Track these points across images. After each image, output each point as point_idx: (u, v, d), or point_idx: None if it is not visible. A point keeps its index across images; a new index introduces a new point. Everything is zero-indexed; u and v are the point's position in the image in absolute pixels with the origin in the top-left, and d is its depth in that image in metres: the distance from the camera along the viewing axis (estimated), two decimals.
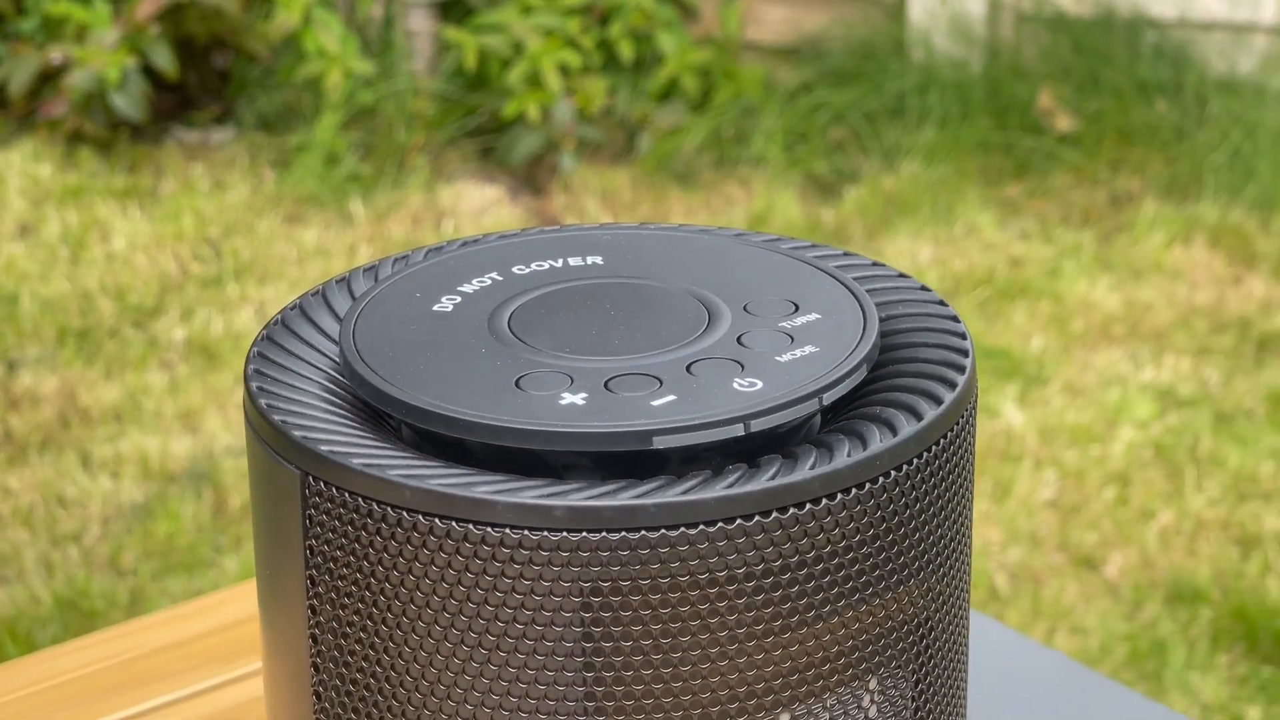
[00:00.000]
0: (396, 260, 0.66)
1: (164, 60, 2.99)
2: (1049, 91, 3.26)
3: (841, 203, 3.18)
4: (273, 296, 2.85)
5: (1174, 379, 2.79)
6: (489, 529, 0.54)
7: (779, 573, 0.55)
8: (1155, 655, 2.33)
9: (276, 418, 0.58)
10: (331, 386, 0.60)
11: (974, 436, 0.61)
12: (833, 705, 0.58)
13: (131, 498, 2.53)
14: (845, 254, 0.66)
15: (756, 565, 0.55)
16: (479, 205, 3.09)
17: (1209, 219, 3.24)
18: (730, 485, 0.54)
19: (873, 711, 0.59)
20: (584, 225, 0.67)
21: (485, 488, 0.54)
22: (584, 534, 0.54)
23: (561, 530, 0.54)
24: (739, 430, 0.56)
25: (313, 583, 0.57)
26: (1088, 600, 2.42)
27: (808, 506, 0.55)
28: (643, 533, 0.54)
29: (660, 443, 0.55)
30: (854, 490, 0.56)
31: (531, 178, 3.14)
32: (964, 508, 0.60)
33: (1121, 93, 3.31)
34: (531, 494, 0.54)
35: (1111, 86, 3.28)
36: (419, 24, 3.01)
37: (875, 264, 0.65)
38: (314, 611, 0.58)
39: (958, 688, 0.62)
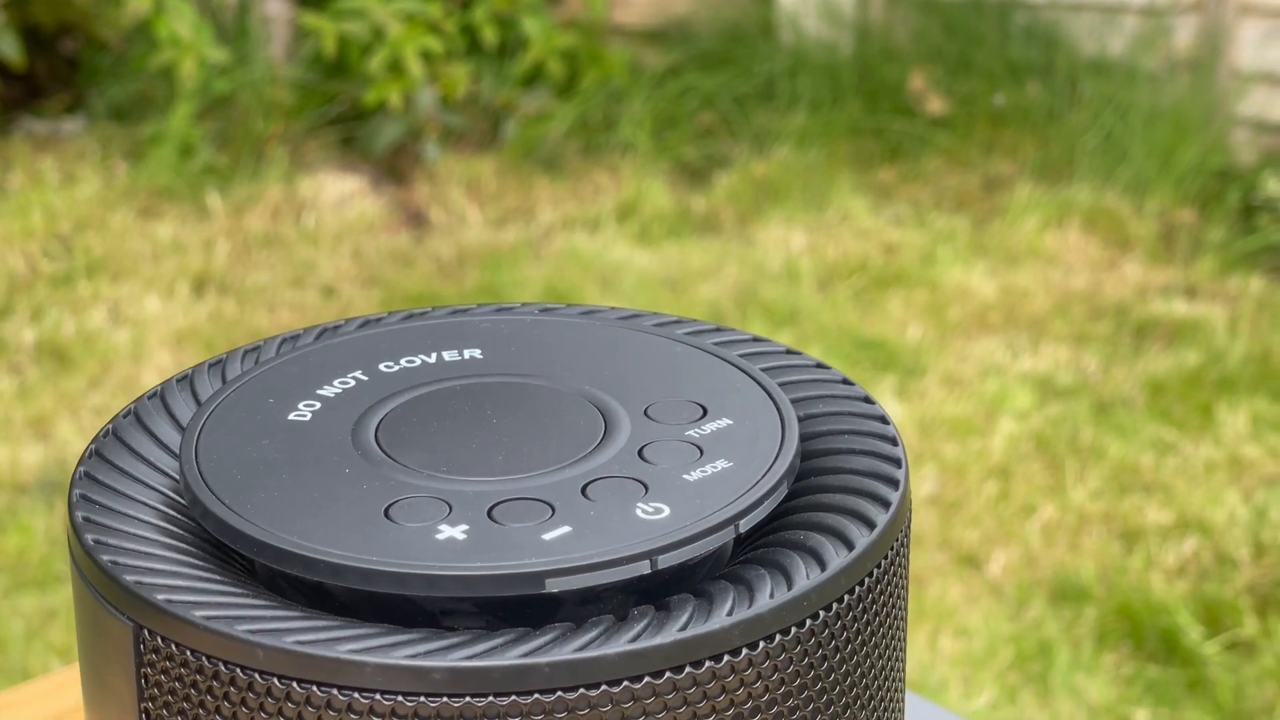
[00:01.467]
0: (247, 353, 0.58)
1: (10, 49, 2.87)
2: (920, 74, 3.21)
3: (712, 189, 3.12)
4: (127, 295, 2.75)
5: (1053, 368, 2.75)
6: (356, 695, 0.46)
7: None
8: (1041, 656, 2.28)
9: (105, 558, 0.50)
10: (172, 514, 0.52)
11: (908, 553, 0.54)
12: None
13: None
14: (755, 339, 0.59)
15: None
16: (340, 196, 3.00)
17: (1083, 202, 3.21)
18: (636, 638, 0.47)
19: None
20: (459, 309, 0.60)
21: (351, 645, 0.47)
22: (467, 699, 0.46)
23: (441, 695, 0.46)
24: (644, 568, 0.48)
25: None
26: (971, 601, 2.37)
27: (725, 659, 0.47)
28: (536, 696, 0.46)
29: (554, 585, 0.48)
30: (778, 637, 0.48)
31: (394, 167, 3.05)
32: (899, 634, 0.53)
33: (993, 75, 3.26)
34: (405, 653, 0.46)
35: (983, 68, 3.24)
36: (275, 9, 2.91)
37: (789, 351, 0.58)
38: None
39: None
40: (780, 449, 0.52)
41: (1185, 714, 2.18)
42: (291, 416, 0.54)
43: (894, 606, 0.52)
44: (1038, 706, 2.21)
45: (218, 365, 0.57)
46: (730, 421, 0.53)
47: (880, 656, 0.51)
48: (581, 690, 0.46)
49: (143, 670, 0.49)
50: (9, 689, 0.95)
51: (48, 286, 2.80)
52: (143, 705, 0.49)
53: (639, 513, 0.50)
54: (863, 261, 2.97)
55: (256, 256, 2.82)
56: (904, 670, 0.55)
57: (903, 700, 0.54)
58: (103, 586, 0.49)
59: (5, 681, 2.15)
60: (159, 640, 0.48)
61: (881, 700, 0.52)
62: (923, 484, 2.51)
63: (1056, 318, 2.90)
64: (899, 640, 0.53)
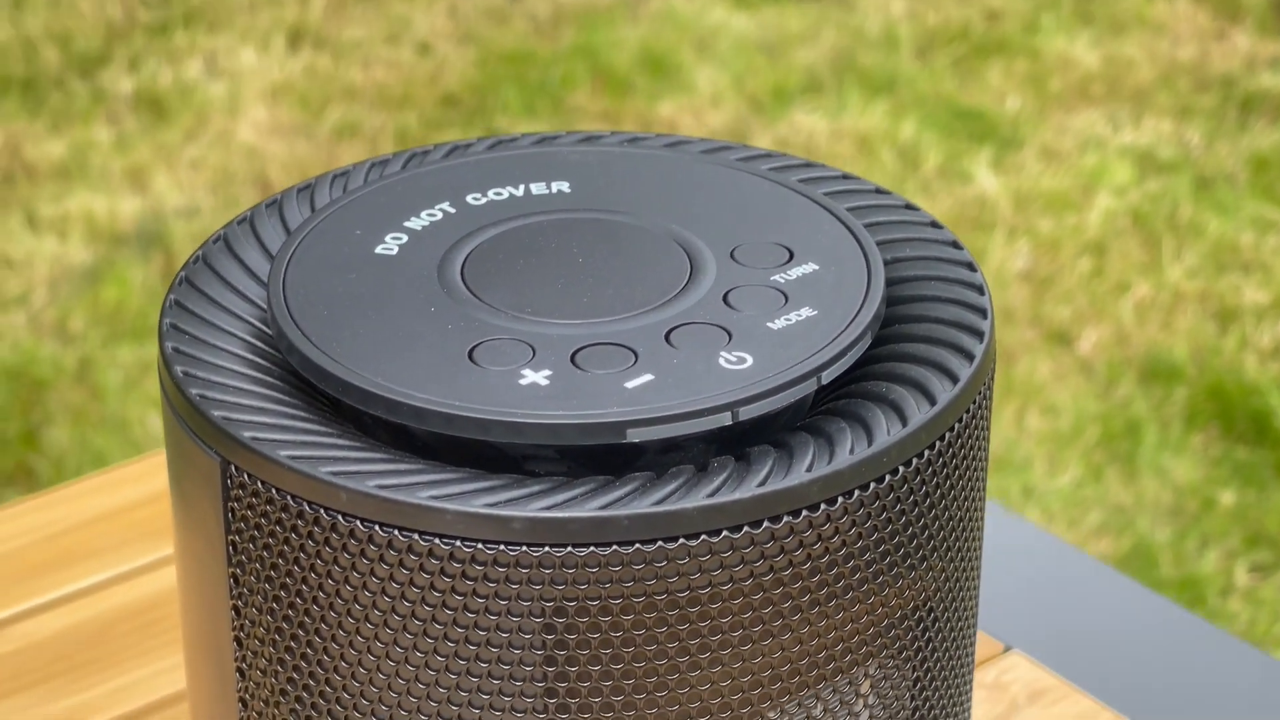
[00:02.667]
0: (335, 179, 0.58)
1: None
2: None
3: None
4: (223, 46, 2.74)
5: (1154, 142, 2.71)
6: (436, 540, 0.47)
7: (769, 586, 0.48)
8: (1128, 435, 2.28)
9: (194, 391, 0.50)
10: (260, 346, 0.52)
11: (990, 408, 0.54)
12: (828, 697, 0.52)
13: (79, 260, 2.45)
14: (844, 176, 0.58)
15: (744, 579, 0.48)
16: None
17: None
18: (715, 492, 0.47)
19: (871, 700, 0.53)
20: (546, 137, 0.59)
21: (432, 491, 0.47)
22: (546, 549, 0.47)
23: (520, 544, 0.47)
24: (725, 420, 0.49)
25: (236, 581, 0.50)
26: (1060, 378, 2.37)
27: (804, 514, 0.48)
28: (614, 548, 0.47)
29: (635, 435, 0.48)
30: (857, 492, 0.48)
31: None
32: (977, 491, 0.53)
33: None
34: (485, 500, 0.47)
35: None
36: None
37: (879, 190, 0.58)
38: (238, 613, 0.51)
39: (961, 674, 0.55)
40: (865, 297, 0.52)
41: (1272, 496, 2.17)
42: (378, 250, 0.54)
43: (975, 459, 0.52)
44: (1123, 485, 2.21)
45: (306, 191, 0.57)
46: (816, 266, 0.53)
47: (957, 510, 0.52)
48: (659, 543, 0.47)
49: (229, 504, 0.50)
50: (114, 467, 0.97)
51: (145, 35, 2.79)
52: (230, 537, 0.50)
53: (722, 362, 0.50)
54: (963, 28, 2.92)
55: (351, 11, 2.80)
56: (981, 524, 0.55)
57: (979, 553, 0.55)
58: (191, 420, 0.50)
59: (104, 432, 2.19)
60: (245, 476, 0.49)
61: (955, 550, 0.52)
62: (1016, 259, 2.49)
63: (1160, 90, 2.85)
64: (979, 493, 0.53)
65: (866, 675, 0.52)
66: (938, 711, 0.54)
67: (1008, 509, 0.95)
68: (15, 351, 2.30)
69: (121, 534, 0.90)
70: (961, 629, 0.54)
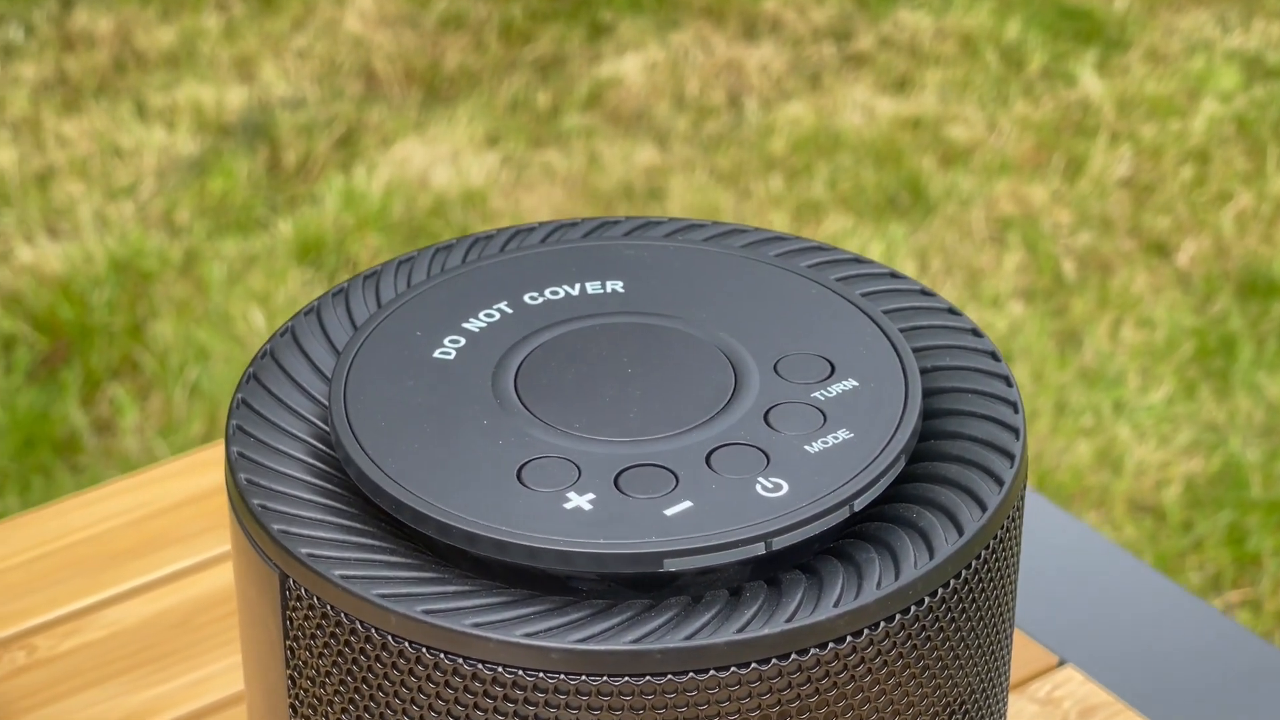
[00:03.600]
0: (400, 265, 0.60)
1: None
2: None
3: None
4: None
5: (1263, 45, 2.69)
6: (480, 665, 0.50)
7: (795, 714, 0.51)
8: (1224, 351, 2.28)
9: (256, 502, 0.53)
10: (323, 451, 0.55)
11: (1020, 525, 0.56)
12: None
13: (186, 150, 2.49)
14: (893, 274, 0.60)
15: (772, 707, 0.50)
16: None
17: None
18: (744, 627, 0.50)
19: None
20: (606, 221, 0.61)
21: (476, 618, 0.50)
22: (583, 678, 0.49)
23: (559, 673, 0.49)
24: (759, 550, 0.51)
25: (294, 683, 0.53)
26: (1157, 290, 2.37)
27: (830, 646, 0.50)
28: (648, 678, 0.49)
29: (672, 565, 0.51)
30: (882, 624, 0.51)
31: None
32: (1005, 607, 0.55)
33: None
34: (525, 630, 0.50)
35: None
36: None
37: (924, 292, 0.59)
38: (295, 711, 0.54)
39: None
40: (900, 421, 0.54)
41: None
42: (437, 354, 0.56)
43: (1003, 579, 0.54)
44: (1216, 402, 2.22)
45: (372, 279, 0.59)
46: (856, 383, 0.55)
47: (987, 627, 0.54)
48: (691, 674, 0.49)
49: (288, 612, 0.52)
50: (202, 448, 1.00)
51: None
52: (288, 642, 0.53)
53: (759, 489, 0.52)
54: None
55: None
56: (1011, 631, 0.57)
57: (1008, 657, 0.57)
58: (253, 530, 0.53)
59: (207, 326, 2.23)
60: (302, 590, 0.52)
61: (983, 665, 0.55)
62: (1118, 165, 2.48)
63: None
64: (1006, 608, 0.55)
65: None
66: None
67: (1075, 517, 0.97)
68: (123, 244, 2.35)
69: (208, 519, 0.93)
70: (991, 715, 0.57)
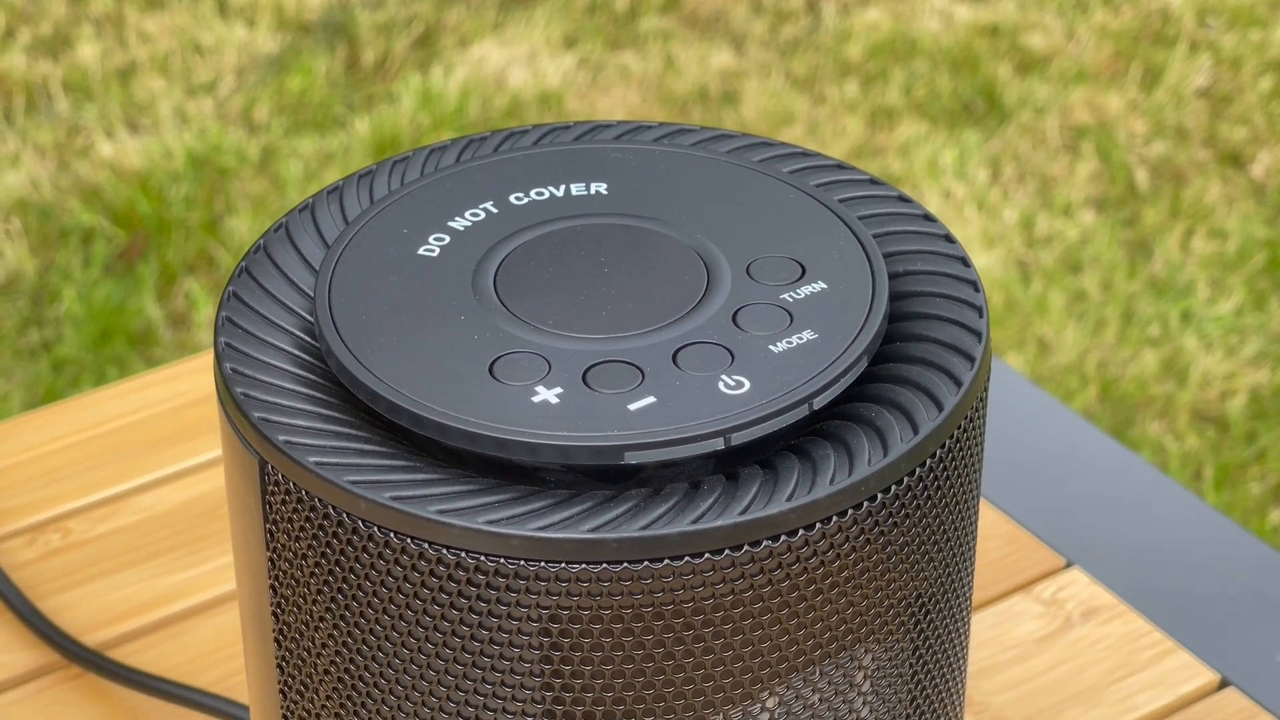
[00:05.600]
0: (395, 165, 0.62)
1: None
2: None
3: None
4: None
5: None
6: (444, 550, 0.52)
7: (749, 602, 0.52)
8: None
9: (239, 390, 0.55)
10: (308, 342, 0.57)
11: (982, 427, 0.57)
12: (821, 688, 0.56)
13: (266, 48, 2.51)
14: (872, 181, 0.61)
15: (725, 595, 0.52)
16: None
17: None
18: (699, 519, 0.52)
19: (866, 689, 0.58)
20: (597, 125, 0.63)
21: (441, 505, 0.52)
22: (542, 564, 0.51)
23: (519, 559, 0.51)
24: (718, 445, 0.53)
25: (273, 564, 0.56)
26: (1230, 201, 2.36)
27: (783, 539, 0.52)
28: (604, 565, 0.51)
29: (633, 458, 0.53)
30: (835, 519, 0.53)
31: None
32: (966, 503, 0.57)
33: None
34: (488, 518, 0.52)
35: None
36: None
37: (902, 198, 0.61)
38: (275, 592, 0.56)
39: (955, 662, 0.60)
40: (865, 322, 0.55)
41: None
42: (421, 251, 0.58)
43: (961, 478, 0.56)
44: None
45: (366, 178, 0.61)
46: (824, 286, 0.56)
47: (945, 523, 0.55)
48: (646, 563, 0.51)
49: (267, 497, 0.55)
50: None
51: None
52: (268, 526, 0.55)
53: (721, 386, 0.54)
54: None
55: None
56: (975, 525, 0.58)
57: (972, 550, 0.59)
58: (236, 418, 0.55)
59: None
60: (280, 476, 0.54)
61: (944, 558, 0.56)
62: (1195, 75, 2.47)
63: None
64: (968, 504, 0.57)
65: (861, 667, 0.57)
66: (934, 700, 0.59)
67: (1086, 420, 0.98)
68: (201, 140, 2.37)
69: None
70: (952, 624, 0.58)
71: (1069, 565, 0.90)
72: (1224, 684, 0.86)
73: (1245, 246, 2.27)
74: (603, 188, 0.60)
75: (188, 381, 0.97)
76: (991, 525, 0.92)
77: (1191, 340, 2.17)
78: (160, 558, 0.90)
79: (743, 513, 0.52)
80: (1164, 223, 2.29)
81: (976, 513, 0.58)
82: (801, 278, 0.57)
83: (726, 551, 0.52)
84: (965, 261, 0.58)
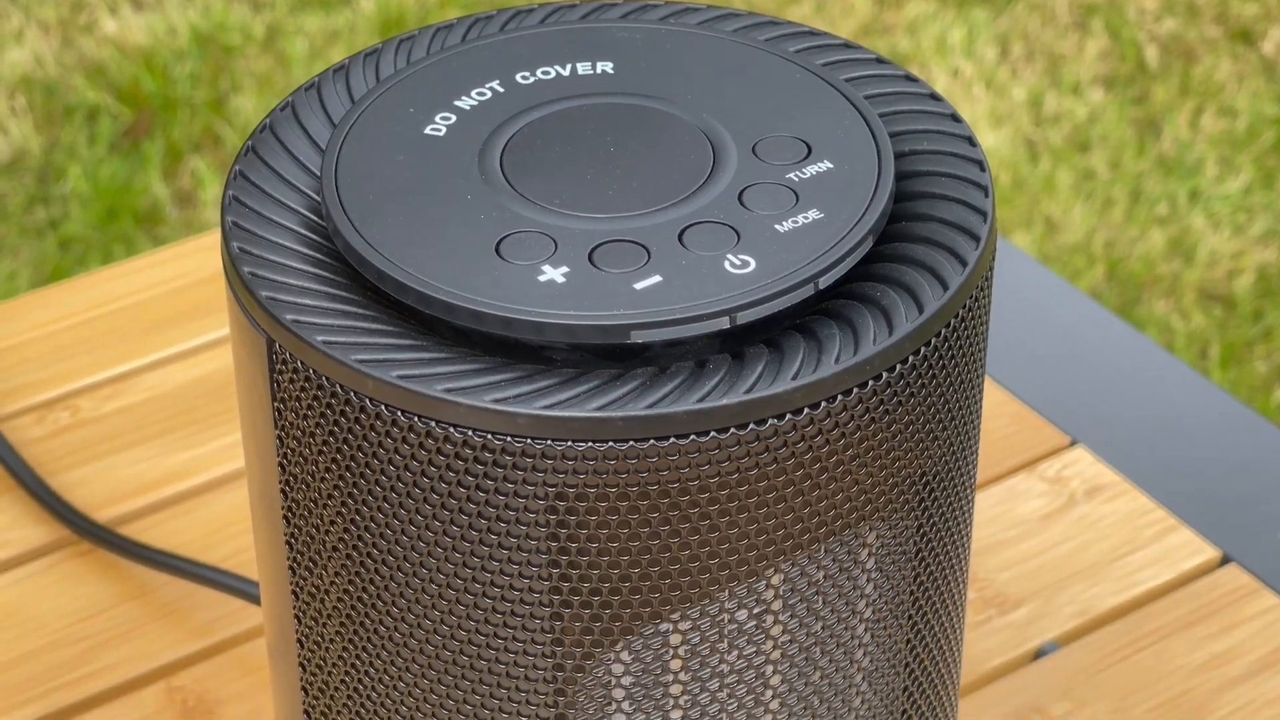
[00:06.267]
0: (401, 44, 0.62)
1: None
2: None
3: None
4: None
5: None
6: (451, 429, 0.52)
7: (755, 481, 0.53)
8: None
9: (246, 269, 0.55)
10: (315, 221, 0.57)
11: (988, 307, 0.57)
12: (828, 564, 0.57)
13: None
14: (879, 60, 0.61)
15: (730, 475, 0.53)
16: None
17: None
18: (705, 397, 0.52)
19: (871, 566, 0.58)
20: (599, 6, 0.63)
21: (448, 384, 0.52)
22: (549, 442, 0.52)
23: (525, 438, 0.52)
24: (724, 324, 0.53)
25: (281, 443, 0.56)
26: (1240, 79, 2.35)
27: (788, 418, 0.52)
28: (610, 444, 0.52)
29: (639, 336, 0.53)
30: (840, 398, 0.53)
31: None
32: (971, 382, 0.57)
33: None
34: (494, 396, 0.52)
35: None
36: None
37: (908, 78, 0.61)
38: (283, 469, 0.57)
39: (959, 540, 0.60)
40: (871, 201, 0.56)
41: None
42: (428, 130, 0.58)
43: (967, 357, 0.56)
44: None
45: (373, 57, 0.61)
46: (830, 165, 0.57)
47: (950, 402, 0.56)
48: (652, 441, 0.52)
49: (275, 376, 0.55)
50: None
51: None
52: (275, 404, 0.56)
53: (727, 265, 0.54)
54: None
55: None
56: (979, 404, 0.59)
57: (977, 428, 0.59)
58: (244, 297, 0.55)
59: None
60: (287, 355, 0.54)
61: (950, 434, 0.57)
62: None
63: None
64: (973, 383, 0.57)
65: (865, 545, 0.57)
66: (938, 577, 0.59)
67: (1093, 300, 0.98)
68: (206, 17, 2.36)
69: None
70: (956, 503, 0.59)
71: (1073, 444, 0.91)
72: (1225, 560, 0.86)
73: (1254, 124, 2.26)
74: (608, 67, 0.60)
75: (194, 260, 0.98)
76: (996, 404, 0.92)
77: (1199, 219, 2.17)
78: (169, 435, 0.90)
79: (748, 391, 0.52)
80: (1173, 101, 2.29)
81: (981, 392, 0.59)
82: (807, 157, 0.57)
83: (732, 430, 0.52)
84: (971, 141, 0.58)
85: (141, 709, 0.80)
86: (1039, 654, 0.83)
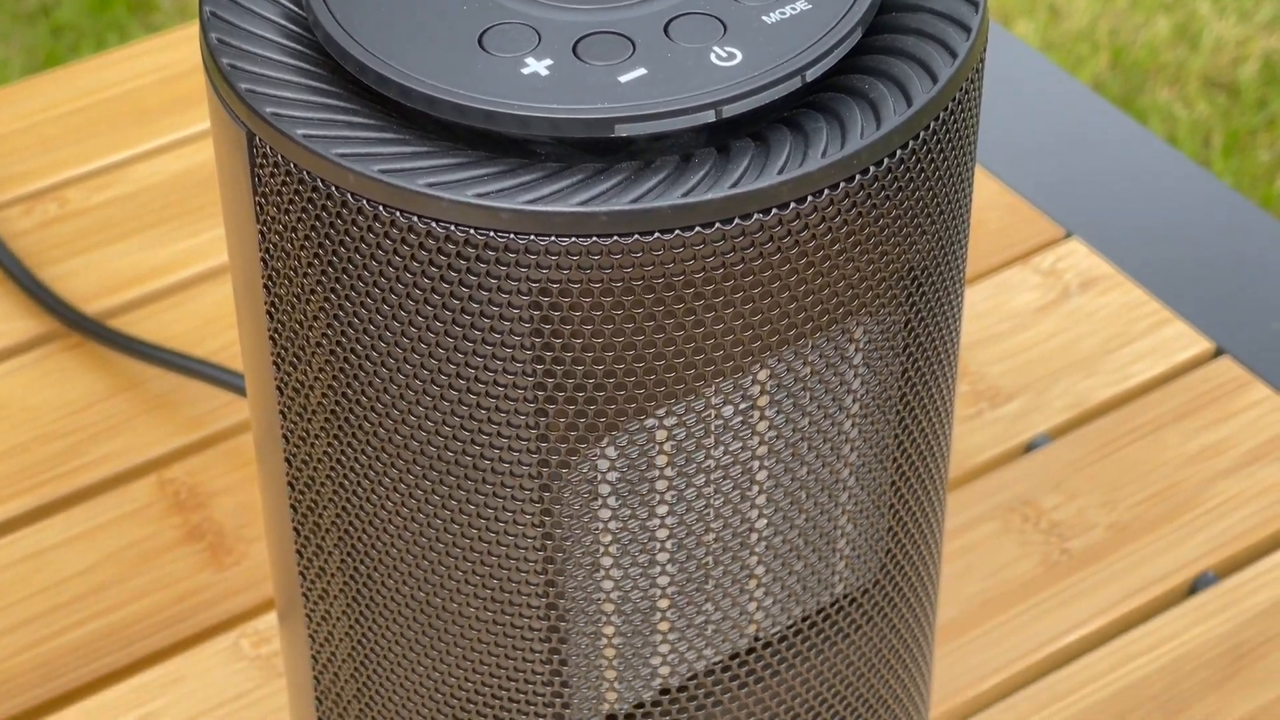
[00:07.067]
0: None
1: None
2: None
3: None
4: None
5: None
6: (434, 223, 0.52)
7: (740, 276, 0.52)
8: None
9: (225, 61, 0.55)
10: (295, 12, 0.56)
11: (978, 100, 0.57)
12: (814, 360, 0.57)
13: None
14: None
15: (716, 270, 0.52)
16: None
17: None
18: (690, 191, 0.51)
19: (858, 361, 0.58)
20: None
21: (430, 179, 0.52)
22: (532, 237, 0.51)
23: (509, 232, 0.51)
24: (709, 117, 0.52)
25: (264, 237, 0.56)
26: None
27: (774, 212, 0.52)
28: (594, 239, 0.51)
29: (623, 130, 0.52)
30: (827, 192, 0.52)
31: None
32: (963, 180, 0.56)
33: None
34: (476, 190, 0.51)
35: None
36: None
37: None
38: (265, 264, 0.56)
39: (948, 336, 0.60)
40: None
41: None
42: None
43: (957, 149, 0.55)
44: None
45: None
46: None
47: (939, 198, 0.55)
48: (636, 236, 0.51)
49: (255, 170, 0.54)
50: None
51: None
52: (257, 199, 0.55)
53: (713, 58, 0.53)
54: None
55: None
56: (969, 197, 0.58)
57: (967, 222, 0.58)
58: (223, 90, 0.54)
59: None
60: (268, 148, 0.53)
61: (940, 228, 0.56)
62: None
63: None
64: (963, 177, 0.56)
65: (852, 340, 0.57)
66: (926, 372, 0.59)
67: (1090, 89, 0.97)
68: None
69: None
70: (944, 298, 0.58)
71: (1068, 236, 0.90)
72: (1219, 352, 0.86)
73: None
74: None
75: (186, 49, 0.96)
76: (992, 196, 0.91)
77: (1205, 5, 2.14)
78: (159, 228, 0.90)
79: (734, 185, 0.51)
80: None
81: (971, 186, 0.58)
82: None
83: (717, 225, 0.51)
84: None
85: (133, 501, 0.80)
86: (1030, 447, 0.83)
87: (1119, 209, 0.91)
